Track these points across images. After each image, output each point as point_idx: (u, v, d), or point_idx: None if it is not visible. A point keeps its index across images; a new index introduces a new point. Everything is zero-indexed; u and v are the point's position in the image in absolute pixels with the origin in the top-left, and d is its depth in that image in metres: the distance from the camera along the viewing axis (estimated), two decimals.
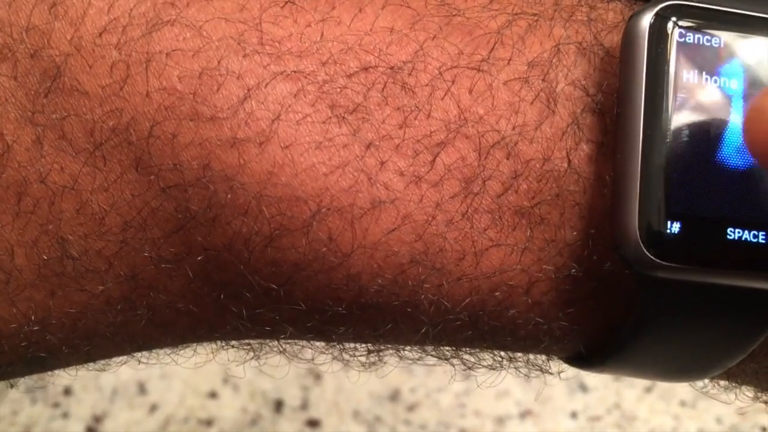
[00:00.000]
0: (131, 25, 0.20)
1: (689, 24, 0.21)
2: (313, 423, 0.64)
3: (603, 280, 0.22)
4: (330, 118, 0.21)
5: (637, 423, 0.63)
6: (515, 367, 0.25)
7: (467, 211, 0.21)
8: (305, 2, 0.21)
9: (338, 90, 0.21)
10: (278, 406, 0.64)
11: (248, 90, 0.20)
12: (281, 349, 0.25)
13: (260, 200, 0.20)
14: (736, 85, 0.21)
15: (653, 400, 0.63)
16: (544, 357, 0.25)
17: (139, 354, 0.24)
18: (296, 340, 0.24)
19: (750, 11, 0.22)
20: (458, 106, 0.21)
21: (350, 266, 0.21)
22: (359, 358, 0.25)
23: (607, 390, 0.64)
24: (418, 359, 0.25)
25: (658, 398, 0.63)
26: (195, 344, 0.24)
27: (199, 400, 0.64)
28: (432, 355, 0.25)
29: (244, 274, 0.21)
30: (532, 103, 0.22)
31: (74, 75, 0.20)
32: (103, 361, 0.24)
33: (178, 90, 0.20)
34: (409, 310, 0.22)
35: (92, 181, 0.20)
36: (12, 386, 0.22)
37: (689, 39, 0.21)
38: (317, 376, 0.64)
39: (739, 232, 0.21)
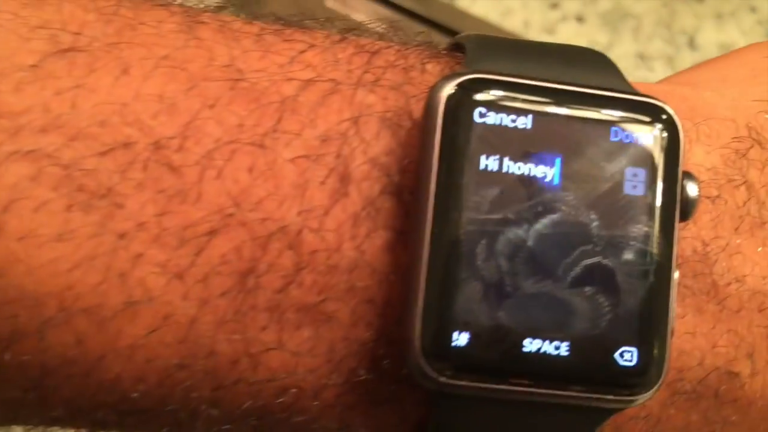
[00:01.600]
0: None
1: (494, 99, 0.18)
2: None
3: (402, 382, 0.19)
4: (74, 204, 0.18)
5: None
6: None
7: (241, 309, 0.18)
8: (58, 65, 0.18)
9: (87, 171, 0.18)
10: None
11: None
12: None
13: None
14: (548, 174, 0.19)
15: None
16: None
17: None
18: None
19: (567, 82, 0.19)
20: (234, 189, 0.18)
21: (105, 371, 0.18)
22: None
23: None
24: None
25: None
26: None
27: None
28: None
29: None
30: (322, 183, 0.19)
31: None
32: None
33: None
34: (182, 415, 0.19)
35: None
36: None
37: (492, 119, 0.18)
38: None
39: (538, 344, 0.18)
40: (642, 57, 0.70)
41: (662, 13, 0.75)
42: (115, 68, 0.19)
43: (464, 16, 0.66)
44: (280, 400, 0.19)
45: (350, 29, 0.21)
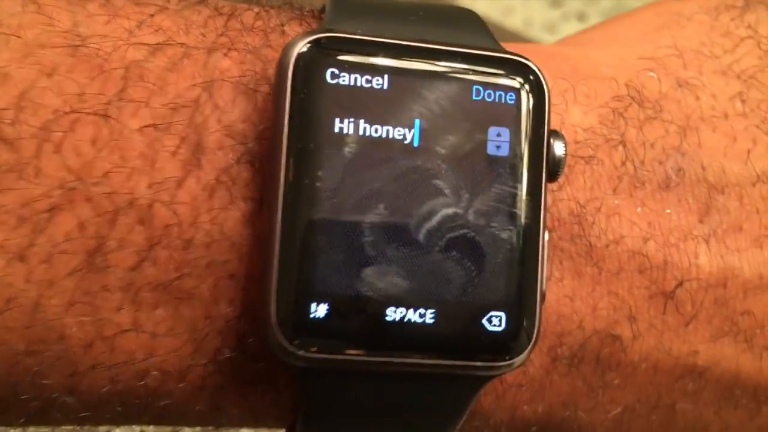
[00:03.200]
0: None
1: (348, 59, 0.17)
2: None
3: (270, 359, 0.18)
4: None
5: None
6: None
7: (90, 289, 0.17)
8: None
9: None
10: None
11: None
12: None
13: None
14: (407, 136, 0.17)
15: None
16: None
17: None
18: None
19: (428, 40, 0.18)
20: (76, 162, 0.17)
21: None
22: None
23: None
24: None
25: None
26: None
27: None
28: None
29: None
30: (173, 154, 0.18)
31: None
32: None
33: None
34: (36, 404, 0.18)
35: None
36: None
37: (346, 79, 0.17)
38: None
39: (401, 312, 0.17)
40: None
41: None
42: None
43: None
44: (142, 383, 0.18)
45: None
